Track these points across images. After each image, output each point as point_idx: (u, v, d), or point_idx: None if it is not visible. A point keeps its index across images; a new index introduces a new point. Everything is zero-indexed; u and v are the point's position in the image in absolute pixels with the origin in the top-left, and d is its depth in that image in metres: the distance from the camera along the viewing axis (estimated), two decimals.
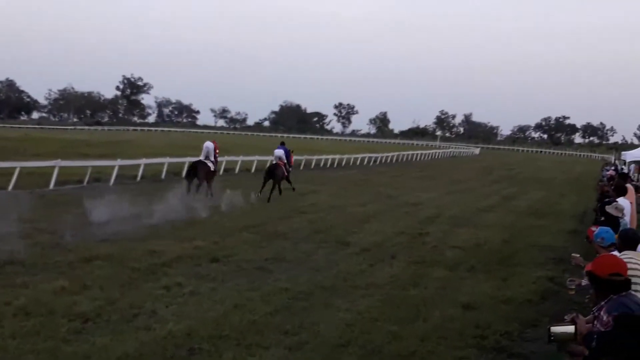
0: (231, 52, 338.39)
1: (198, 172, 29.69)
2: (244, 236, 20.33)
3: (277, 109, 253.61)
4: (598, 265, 6.09)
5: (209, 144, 31.21)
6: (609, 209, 12.78)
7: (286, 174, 33.77)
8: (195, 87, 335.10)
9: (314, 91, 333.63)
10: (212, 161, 30.72)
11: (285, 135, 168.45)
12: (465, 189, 45.14)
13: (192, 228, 21.37)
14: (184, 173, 34.07)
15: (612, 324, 5.27)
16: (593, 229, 9.54)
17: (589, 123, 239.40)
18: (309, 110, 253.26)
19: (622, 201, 14.09)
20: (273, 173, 32.48)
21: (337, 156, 67.02)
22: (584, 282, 7.58)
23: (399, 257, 18.39)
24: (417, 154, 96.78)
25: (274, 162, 33.70)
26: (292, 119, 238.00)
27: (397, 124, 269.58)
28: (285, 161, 34.22)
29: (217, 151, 31.73)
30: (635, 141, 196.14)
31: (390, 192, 37.53)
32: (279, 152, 34.34)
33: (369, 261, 17.58)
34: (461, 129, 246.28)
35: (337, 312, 12.57)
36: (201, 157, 30.84)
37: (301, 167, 55.98)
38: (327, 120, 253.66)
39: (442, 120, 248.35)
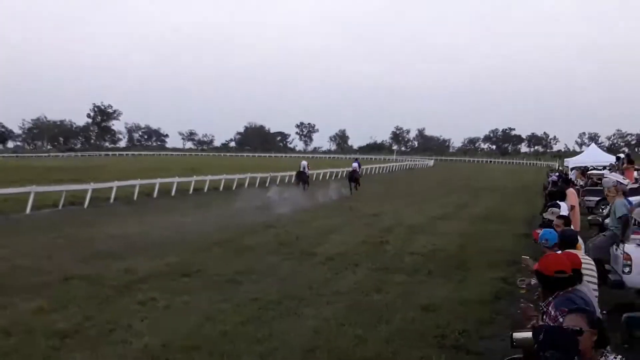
0: (195, 76, 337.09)
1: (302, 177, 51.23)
2: (215, 251, 20.16)
3: (242, 129, 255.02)
4: (544, 265, 6.17)
5: (304, 162, 53.58)
6: (545, 214, 13.07)
7: (359, 177, 52.18)
8: (163, 111, 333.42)
9: (277, 111, 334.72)
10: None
11: (250, 154, 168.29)
12: (422, 199, 44.76)
13: (165, 246, 21.15)
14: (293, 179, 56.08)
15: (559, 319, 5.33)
16: (538, 231, 9.70)
17: (533, 133, 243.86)
18: (272, 130, 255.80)
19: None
20: (352, 176, 51.73)
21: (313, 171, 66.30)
22: (534, 281, 7.52)
23: (362, 265, 18.30)
24: (375, 168, 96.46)
25: (351, 170, 53.60)
26: (257, 139, 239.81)
27: (356, 140, 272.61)
28: (358, 170, 53.52)
29: (309, 167, 53.98)
30: (577, 148, 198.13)
31: (352, 205, 37.23)
32: (355, 165, 54.30)
33: (334, 270, 17.49)
34: (415, 143, 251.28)
35: (305, 320, 12.48)
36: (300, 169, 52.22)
37: (267, 185, 55.48)
38: (290, 139, 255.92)
39: (397, 135, 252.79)
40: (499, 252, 20.82)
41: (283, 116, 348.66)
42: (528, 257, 9.05)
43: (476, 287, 15.42)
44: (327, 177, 68.86)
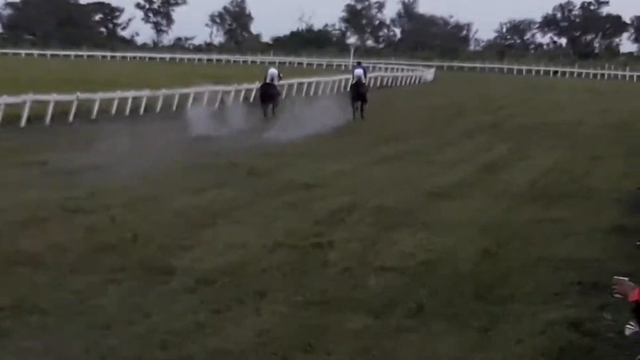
0: None
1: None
2: None
3: None
4: None
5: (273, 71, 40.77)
6: None
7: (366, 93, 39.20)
8: None
9: None
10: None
11: (24, 52, 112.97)
12: (408, 151, 28.39)
13: None
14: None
15: None
16: None
17: None
18: (83, 1, 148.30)
19: None
20: (358, 92, 37.98)
21: (145, 93, 40.57)
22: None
23: (276, 295, 11.72)
24: (310, 84, 55.26)
25: (354, 81, 39.24)
26: (49, 18, 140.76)
27: (267, 25, 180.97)
28: (364, 80, 40.41)
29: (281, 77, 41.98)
30: None
31: (258, 163, 23.44)
32: (359, 72, 39.51)
33: (213, 305, 11.05)
34: (396, 31, 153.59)
35: None
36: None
37: (70, 118, 34.39)
38: (121, 21, 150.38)
39: (358, 14, 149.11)
40: (564, 267, 13.71)
41: None
42: (625, 278, 6.12)
43: (517, 342, 10.08)
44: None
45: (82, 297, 11.02)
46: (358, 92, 37.37)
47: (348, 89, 41.92)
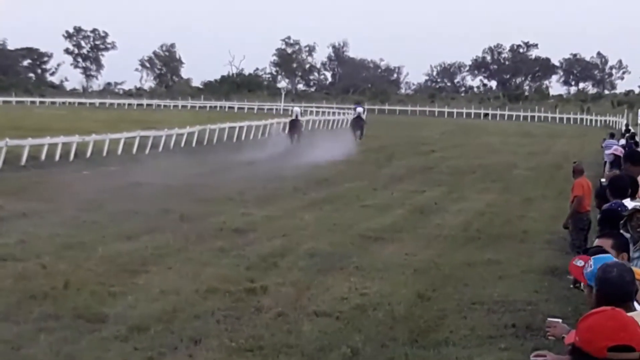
0: None
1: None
2: None
3: None
4: (588, 334, 3.99)
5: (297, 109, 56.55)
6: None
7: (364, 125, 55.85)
8: None
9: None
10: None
11: None
12: (339, 195, 28.38)
13: None
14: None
15: None
16: (577, 262, 5.82)
17: (575, 55, 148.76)
18: (11, 46, 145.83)
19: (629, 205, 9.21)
20: (358, 124, 53.96)
21: (75, 138, 39.17)
22: None
23: (210, 341, 11.69)
24: (240, 129, 55.12)
25: (355, 116, 56.63)
26: None
27: (197, 69, 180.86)
28: (363, 116, 58.41)
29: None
30: None
31: (188, 209, 23.09)
32: (359, 109, 58.23)
33: (147, 353, 11.05)
34: (327, 74, 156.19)
35: None
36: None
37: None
38: (50, 66, 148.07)
39: (289, 58, 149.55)
40: (499, 309, 13.62)
41: (35, 18, 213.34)
42: (558, 320, 6.39)
43: None
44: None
45: (13, 346, 10.88)
46: (358, 124, 53.26)
47: (349, 124, 58.01)
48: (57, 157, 36.02)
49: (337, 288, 14.87)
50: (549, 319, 6.93)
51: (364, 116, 55.50)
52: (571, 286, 13.52)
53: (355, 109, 59.48)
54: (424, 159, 42.17)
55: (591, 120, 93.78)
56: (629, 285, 5.05)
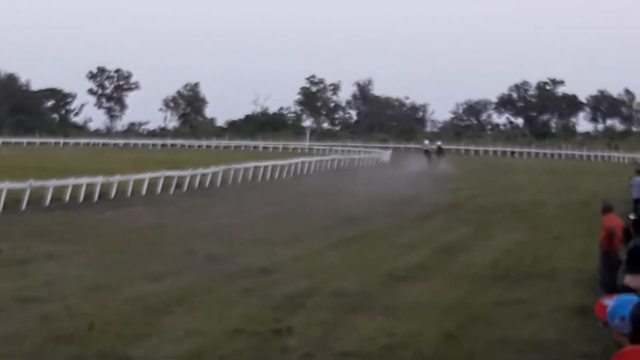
0: None
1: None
2: None
3: None
4: None
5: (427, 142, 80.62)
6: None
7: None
8: None
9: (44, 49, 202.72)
10: None
11: None
12: (366, 233, 28.37)
13: None
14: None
15: None
16: (605, 301, 5.75)
17: (602, 92, 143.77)
18: (35, 87, 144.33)
19: None
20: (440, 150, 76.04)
21: (98, 179, 39.33)
22: None
23: None
24: (265, 168, 55.83)
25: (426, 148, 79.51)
26: (1, 104, 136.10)
27: (222, 108, 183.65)
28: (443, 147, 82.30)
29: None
30: None
31: (213, 249, 23.54)
32: (439, 143, 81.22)
33: None
34: (352, 113, 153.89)
35: None
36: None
37: (23, 206, 33.05)
38: (74, 107, 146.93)
39: (313, 96, 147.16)
40: (528, 349, 13.44)
41: (59, 58, 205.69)
42: None
43: None
44: None
45: None
46: (442, 152, 76.67)
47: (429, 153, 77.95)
48: (81, 198, 35.99)
49: (364, 328, 14.76)
50: (579, 359, 7.03)
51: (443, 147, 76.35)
52: (599, 324, 13.56)
53: (436, 143, 79.02)
54: (451, 197, 41.81)
55: (618, 157, 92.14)
56: None
